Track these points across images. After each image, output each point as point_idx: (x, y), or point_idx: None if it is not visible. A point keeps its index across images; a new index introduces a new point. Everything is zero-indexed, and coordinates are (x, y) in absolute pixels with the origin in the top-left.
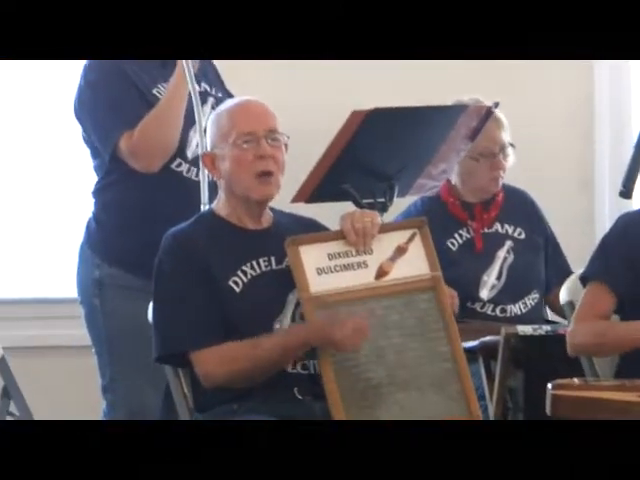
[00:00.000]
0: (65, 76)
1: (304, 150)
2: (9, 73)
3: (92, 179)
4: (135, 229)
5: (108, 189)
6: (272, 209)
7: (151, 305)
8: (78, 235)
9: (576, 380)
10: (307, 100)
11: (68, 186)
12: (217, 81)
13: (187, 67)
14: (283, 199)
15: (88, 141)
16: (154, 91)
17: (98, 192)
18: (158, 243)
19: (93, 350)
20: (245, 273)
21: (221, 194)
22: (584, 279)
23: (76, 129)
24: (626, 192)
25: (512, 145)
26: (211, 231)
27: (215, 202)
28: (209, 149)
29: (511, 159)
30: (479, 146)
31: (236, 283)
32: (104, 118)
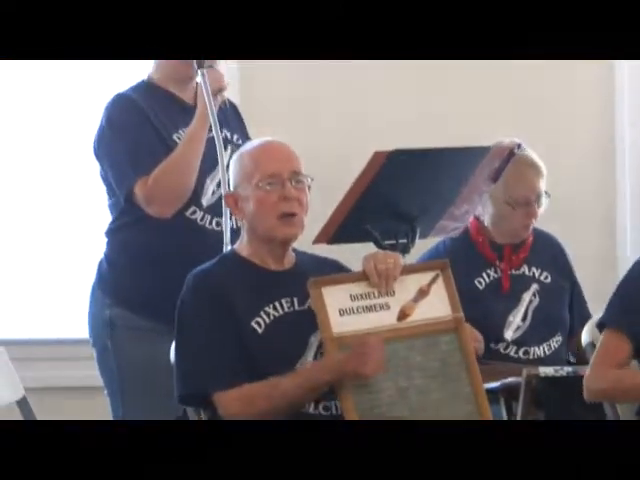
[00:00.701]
0: (87, 111)
1: (326, 190)
2: (30, 107)
3: (106, 219)
4: (146, 272)
5: (121, 230)
6: (294, 250)
7: (173, 345)
8: (90, 276)
9: None
10: (329, 140)
11: (82, 226)
12: (239, 127)
13: (211, 112)
14: (305, 240)
15: (105, 179)
16: (174, 136)
17: (111, 232)
18: (168, 287)
19: (105, 392)
20: (268, 314)
21: (244, 235)
22: (601, 325)
23: (94, 167)
24: None
25: (547, 194)
26: (234, 271)
27: (237, 243)
28: (231, 189)
29: (544, 207)
30: (516, 193)
31: (259, 324)
32: (122, 161)
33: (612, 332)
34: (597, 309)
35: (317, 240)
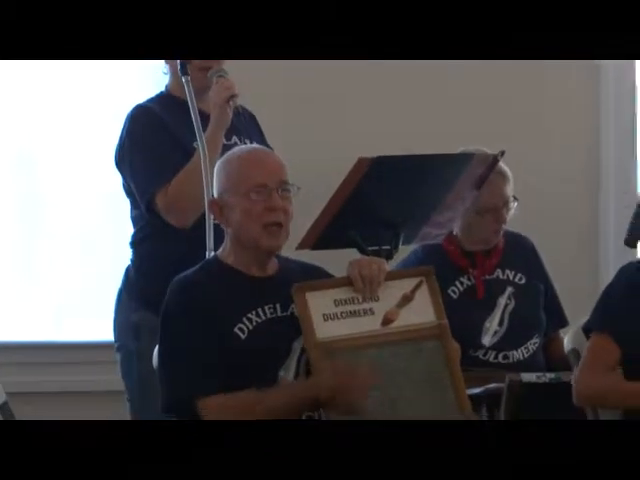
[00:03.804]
0: (109, 127)
1: (310, 197)
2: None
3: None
4: (173, 277)
5: (148, 240)
6: (278, 256)
7: (156, 350)
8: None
9: None
10: (313, 147)
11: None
12: (257, 135)
13: (194, 116)
14: (288, 245)
15: (128, 191)
16: (194, 144)
17: (137, 243)
18: None
19: (126, 397)
20: (250, 320)
21: (227, 242)
22: (587, 330)
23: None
24: (631, 240)
25: (515, 198)
26: (217, 278)
27: (220, 249)
28: (216, 196)
29: (512, 211)
30: (484, 200)
31: (242, 330)
32: (142, 172)
33: (600, 336)
34: (579, 317)
35: (301, 246)
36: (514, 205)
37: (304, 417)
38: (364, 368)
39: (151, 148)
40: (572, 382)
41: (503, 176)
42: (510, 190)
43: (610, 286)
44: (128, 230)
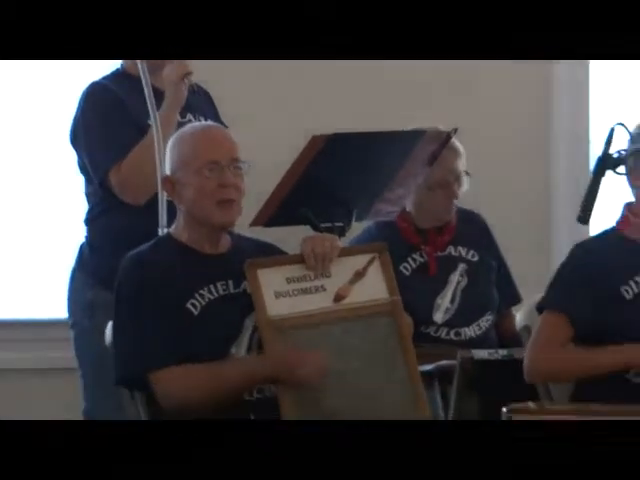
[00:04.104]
0: (63, 98)
1: (263, 174)
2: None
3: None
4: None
5: (102, 216)
6: (231, 233)
7: (109, 326)
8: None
9: (531, 404)
10: (267, 125)
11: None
12: (211, 112)
13: (148, 95)
14: (242, 222)
15: (83, 168)
16: (149, 122)
17: (92, 219)
18: None
19: (79, 373)
20: (202, 296)
21: (180, 218)
22: (541, 309)
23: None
24: (584, 217)
25: (467, 173)
26: (169, 255)
27: (173, 226)
28: (169, 173)
29: (465, 187)
30: (435, 176)
31: (194, 306)
32: (97, 148)
33: (553, 314)
34: (532, 294)
35: (254, 223)
36: (466, 180)
37: (255, 394)
38: (316, 348)
39: (106, 125)
40: (524, 359)
41: (455, 151)
42: (462, 165)
43: (565, 265)
44: (81, 207)
